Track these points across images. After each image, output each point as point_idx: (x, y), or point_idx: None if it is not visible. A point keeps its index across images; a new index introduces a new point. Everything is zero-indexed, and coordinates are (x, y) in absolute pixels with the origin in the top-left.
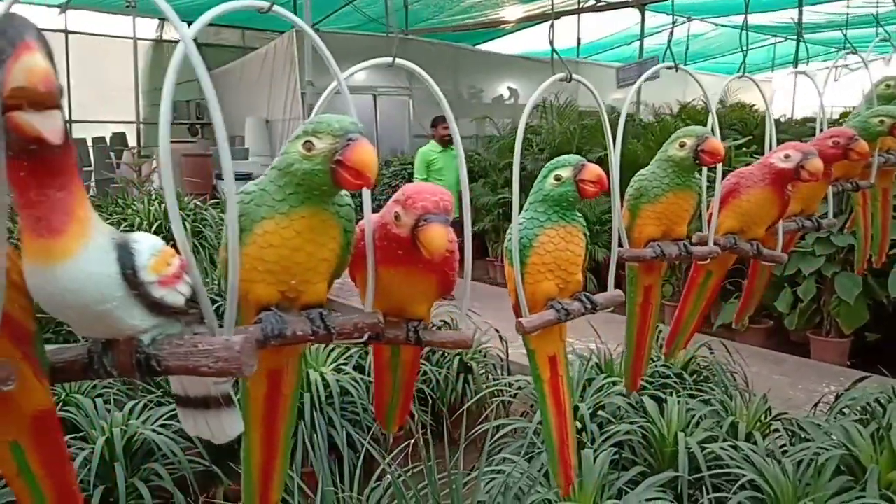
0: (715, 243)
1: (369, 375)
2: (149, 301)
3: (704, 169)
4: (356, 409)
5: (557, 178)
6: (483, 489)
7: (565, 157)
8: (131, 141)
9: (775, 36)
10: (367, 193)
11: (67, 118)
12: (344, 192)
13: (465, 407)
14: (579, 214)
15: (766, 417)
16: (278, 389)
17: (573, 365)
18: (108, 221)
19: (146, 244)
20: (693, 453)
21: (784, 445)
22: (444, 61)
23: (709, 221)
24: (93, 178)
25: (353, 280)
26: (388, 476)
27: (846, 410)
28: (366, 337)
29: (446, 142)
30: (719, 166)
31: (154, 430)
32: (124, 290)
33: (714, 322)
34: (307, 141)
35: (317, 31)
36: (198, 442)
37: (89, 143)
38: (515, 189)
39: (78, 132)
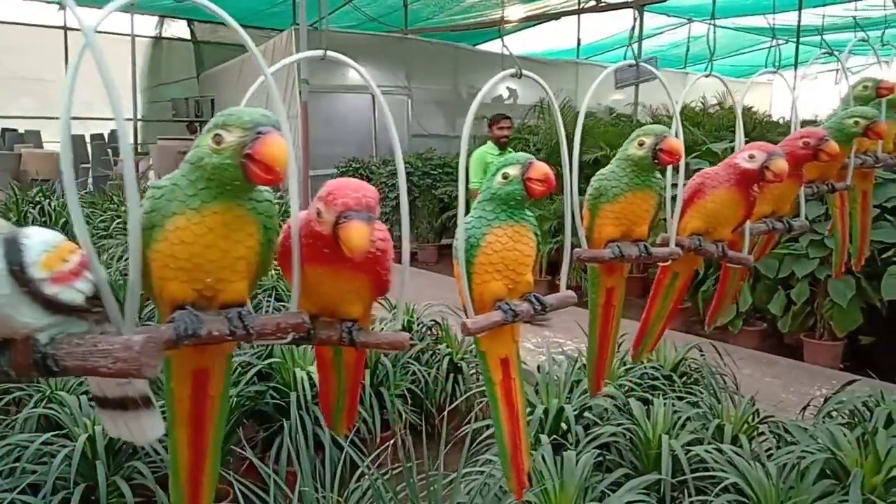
0: (678, 244)
1: None
2: (41, 298)
3: (669, 169)
4: None
5: (505, 177)
6: (463, 490)
7: (514, 154)
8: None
9: (776, 38)
10: (293, 189)
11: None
12: (263, 186)
13: (448, 408)
14: (530, 213)
15: (753, 420)
16: (205, 390)
17: (561, 366)
18: (101, 218)
19: (37, 239)
20: (677, 456)
21: (770, 449)
22: (442, 61)
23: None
24: (90, 175)
25: (286, 278)
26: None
27: (834, 413)
28: (290, 337)
29: (504, 143)
30: (682, 166)
31: None
32: (11, 286)
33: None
34: (217, 134)
35: (315, 29)
36: None
37: (87, 139)
38: (462, 188)
39: (77, 129)
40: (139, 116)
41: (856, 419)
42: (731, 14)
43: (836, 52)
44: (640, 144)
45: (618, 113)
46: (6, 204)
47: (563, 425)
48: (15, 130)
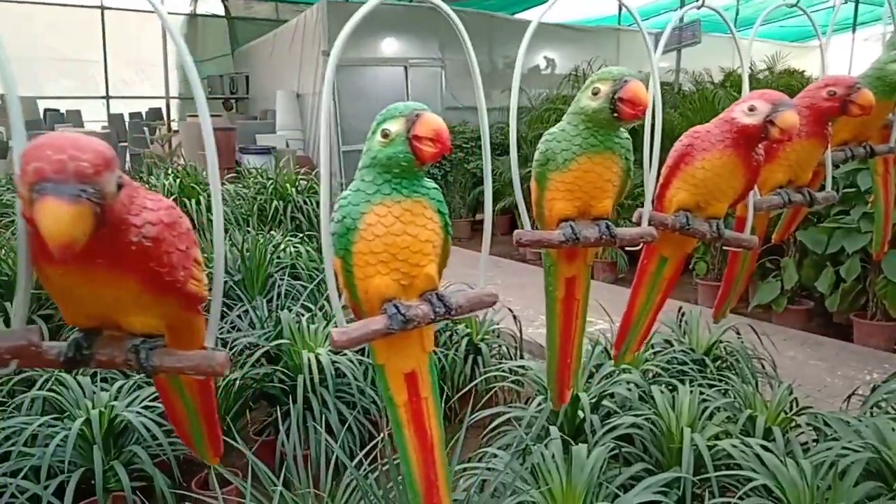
0: (661, 223)
1: (368, 356)
2: None
3: (647, 123)
4: (352, 390)
5: (385, 135)
6: (461, 486)
7: (397, 104)
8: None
9: None
10: (16, 144)
11: (104, 93)
12: None
13: (457, 394)
14: (430, 184)
15: (790, 411)
16: None
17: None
18: None
19: None
20: (700, 451)
21: (807, 443)
22: (477, 31)
23: (659, 197)
24: (128, 153)
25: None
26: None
27: (882, 404)
28: (12, 366)
29: None
30: (656, 120)
31: (137, 413)
32: None
33: (750, 302)
34: None
35: (346, 2)
36: None
37: (126, 118)
38: (325, 155)
39: (116, 107)
40: (174, 94)
41: None
42: None
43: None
44: (595, 93)
45: (661, 81)
46: None
47: (580, 412)
48: (57, 110)
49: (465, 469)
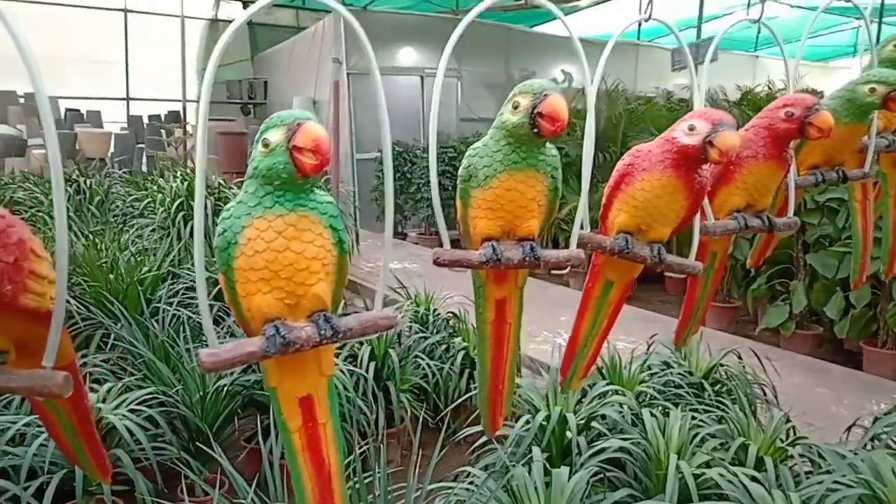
0: (598, 246)
1: (361, 366)
2: None
3: (588, 143)
4: (340, 400)
5: (266, 145)
6: None
7: (280, 113)
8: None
9: (859, 18)
10: None
11: (125, 95)
12: None
13: (451, 406)
14: (323, 197)
15: (785, 440)
16: None
17: None
18: (135, 197)
19: None
20: (687, 479)
21: (799, 476)
22: (495, 42)
23: (602, 218)
24: (144, 156)
25: None
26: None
27: (883, 437)
28: None
29: None
30: (589, 136)
31: (123, 416)
32: None
33: (758, 325)
34: None
35: (364, 9)
36: (166, 429)
37: (145, 120)
38: (200, 161)
39: (135, 109)
40: (192, 98)
41: None
42: None
43: (856, 3)
44: (515, 107)
45: (678, 97)
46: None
47: (568, 434)
48: (77, 111)
49: (445, 488)
